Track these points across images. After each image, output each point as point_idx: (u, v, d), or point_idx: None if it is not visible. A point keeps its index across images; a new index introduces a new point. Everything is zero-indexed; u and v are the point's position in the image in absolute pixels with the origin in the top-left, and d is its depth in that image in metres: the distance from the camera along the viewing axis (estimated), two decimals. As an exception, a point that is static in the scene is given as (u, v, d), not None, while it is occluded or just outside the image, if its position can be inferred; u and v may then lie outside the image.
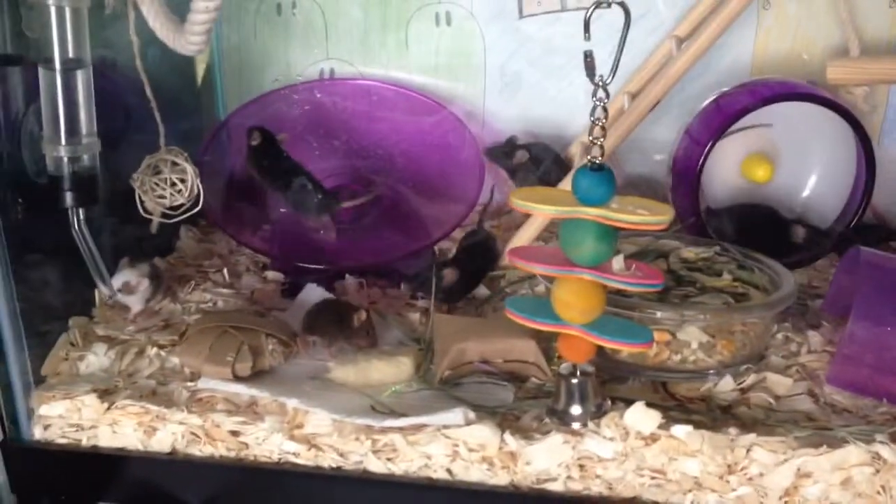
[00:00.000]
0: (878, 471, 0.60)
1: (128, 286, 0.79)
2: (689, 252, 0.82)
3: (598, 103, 0.56)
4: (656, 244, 0.83)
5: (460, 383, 0.71)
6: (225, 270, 0.91)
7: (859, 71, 0.89)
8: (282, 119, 1.00)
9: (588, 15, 0.54)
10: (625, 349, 0.65)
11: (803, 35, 0.97)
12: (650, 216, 0.57)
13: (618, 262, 0.60)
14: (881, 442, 0.60)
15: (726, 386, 0.69)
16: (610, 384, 0.71)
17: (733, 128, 0.86)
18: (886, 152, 0.98)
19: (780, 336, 0.76)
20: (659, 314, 0.69)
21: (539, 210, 0.58)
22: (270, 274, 0.91)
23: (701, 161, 0.85)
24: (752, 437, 0.61)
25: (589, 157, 0.57)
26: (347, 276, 0.88)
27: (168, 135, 0.80)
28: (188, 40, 0.66)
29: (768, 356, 0.73)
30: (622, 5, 0.54)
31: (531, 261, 0.61)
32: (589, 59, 0.54)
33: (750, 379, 0.70)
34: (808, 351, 0.74)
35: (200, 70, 1.07)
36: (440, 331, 0.74)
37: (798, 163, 0.92)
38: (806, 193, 0.93)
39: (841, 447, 0.60)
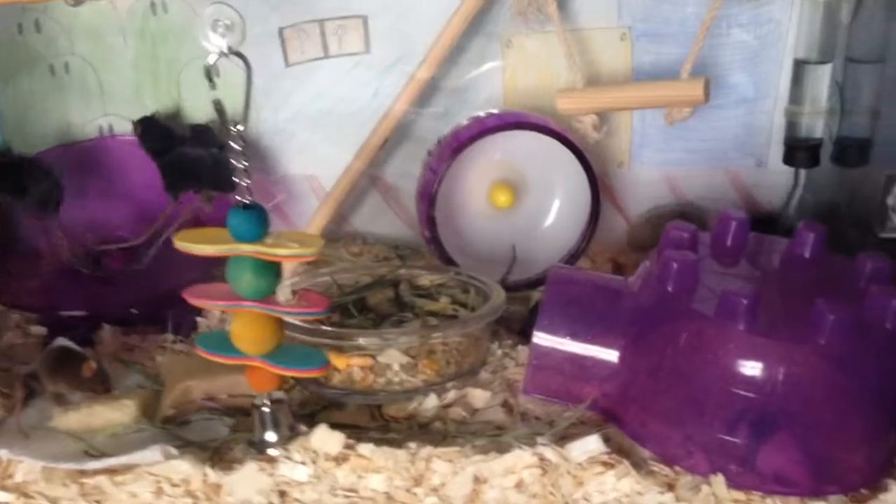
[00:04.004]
0: (545, 471, 0.64)
1: None
2: (426, 279, 0.86)
3: (237, 148, 0.60)
4: (396, 273, 0.87)
5: (188, 421, 0.74)
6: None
7: (586, 100, 0.96)
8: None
9: (210, 64, 0.59)
10: (300, 376, 0.68)
11: (546, 71, 1.03)
12: (301, 248, 0.61)
13: (283, 294, 0.63)
14: (543, 444, 0.64)
15: (430, 403, 0.73)
16: (328, 411, 0.74)
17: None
18: (636, 174, 1.04)
19: (499, 353, 0.81)
20: (361, 340, 0.72)
21: (198, 250, 0.62)
22: (35, 329, 0.92)
23: (435, 187, 0.89)
24: (429, 449, 0.65)
25: (239, 198, 0.61)
26: (105, 325, 0.90)
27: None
28: None
29: (481, 373, 0.78)
30: (240, 55, 0.58)
31: (204, 298, 0.64)
32: (218, 105, 0.58)
33: (451, 395, 0.74)
34: (516, 365, 0.78)
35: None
36: (170, 370, 0.77)
37: (542, 191, 0.98)
38: (549, 221, 0.98)
39: (509, 451, 0.64)
